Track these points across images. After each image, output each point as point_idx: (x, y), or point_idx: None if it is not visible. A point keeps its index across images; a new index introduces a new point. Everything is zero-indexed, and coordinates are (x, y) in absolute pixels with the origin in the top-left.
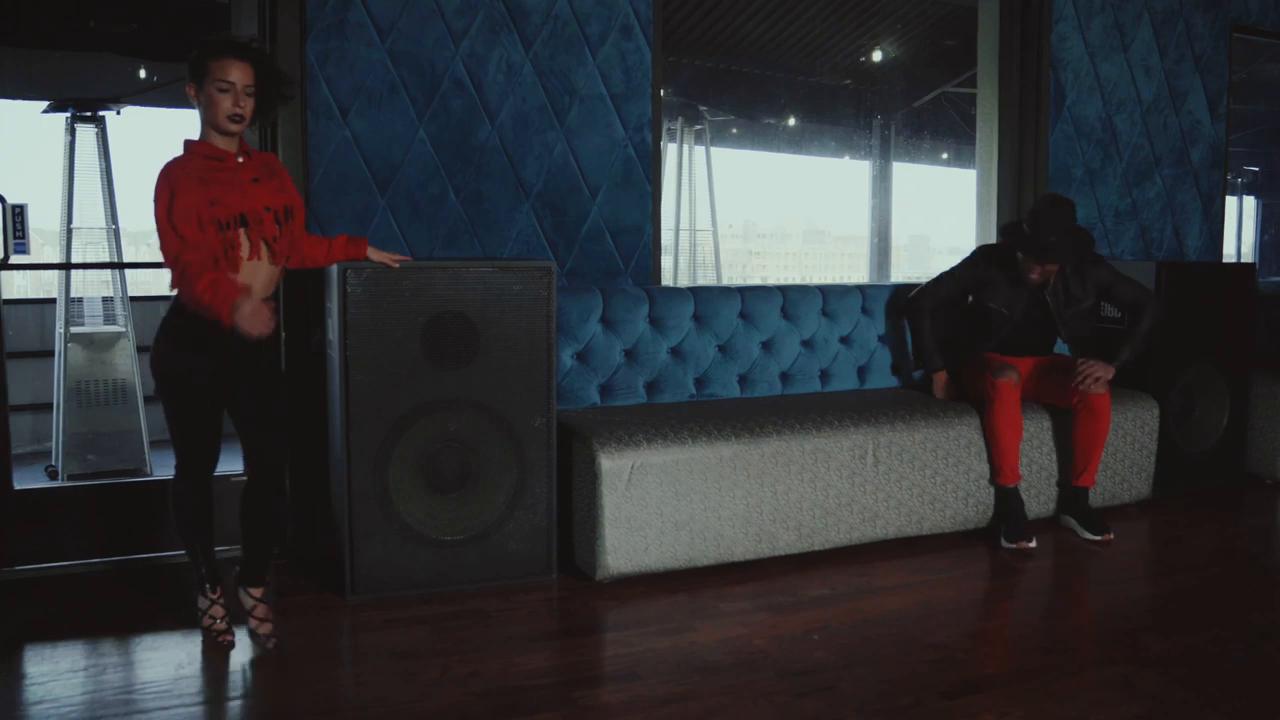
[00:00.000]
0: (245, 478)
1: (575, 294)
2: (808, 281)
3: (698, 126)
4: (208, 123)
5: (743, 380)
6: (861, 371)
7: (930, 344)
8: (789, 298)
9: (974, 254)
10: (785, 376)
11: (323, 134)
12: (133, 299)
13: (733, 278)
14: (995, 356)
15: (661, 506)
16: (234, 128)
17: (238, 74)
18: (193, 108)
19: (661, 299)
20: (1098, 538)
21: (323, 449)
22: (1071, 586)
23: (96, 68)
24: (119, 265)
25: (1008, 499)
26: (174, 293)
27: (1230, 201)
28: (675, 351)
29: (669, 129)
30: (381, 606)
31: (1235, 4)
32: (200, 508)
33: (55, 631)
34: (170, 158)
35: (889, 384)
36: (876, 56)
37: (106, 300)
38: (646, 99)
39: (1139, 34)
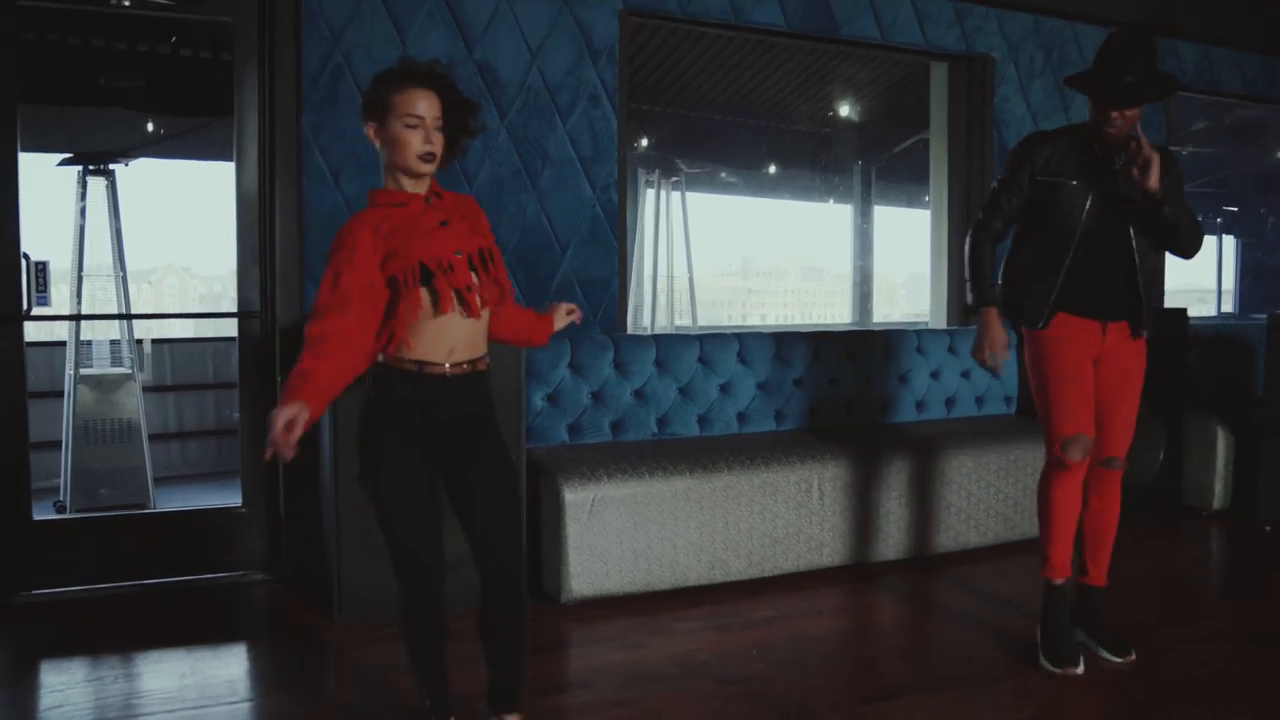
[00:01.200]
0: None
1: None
2: (804, 319)
3: (674, 178)
4: (395, 166)
5: (702, 420)
6: (813, 412)
7: (984, 268)
8: (744, 344)
9: (1021, 143)
10: (742, 416)
11: (316, 197)
12: (138, 341)
13: (731, 316)
14: (1062, 327)
15: (621, 536)
16: (426, 168)
17: (425, 105)
18: (204, 158)
19: (626, 345)
20: (1118, 659)
21: (314, 483)
22: (1001, 607)
23: (107, 122)
24: (127, 316)
25: (1053, 603)
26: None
27: (1211, 241)
28: (638, 394)
29: (647, 180)
30: (367, 627)
31: (1169, 65)
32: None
33: (69, 648)
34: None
35: (838, 422)
36: (844, 111)
37: (114, 343)
38: (613, 161)
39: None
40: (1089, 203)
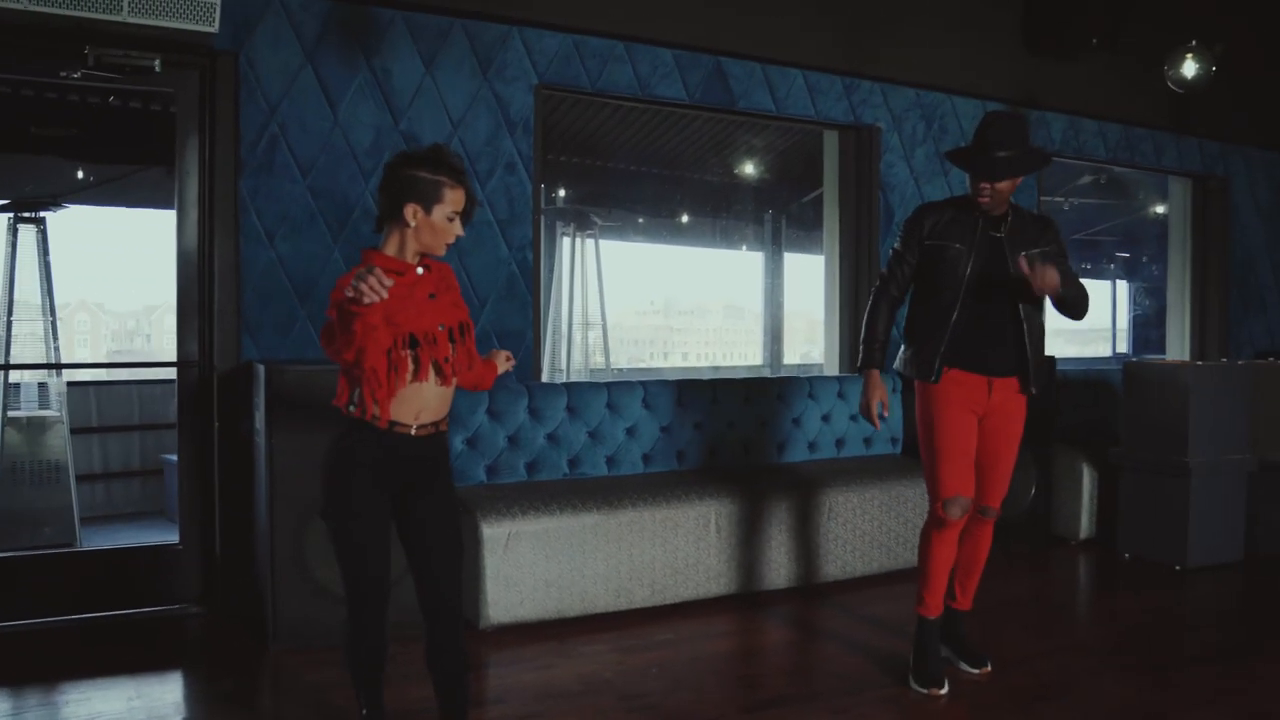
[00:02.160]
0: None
1: (464, 390)
2: (725, 358)
3: (589, 230)
4: (419, 243)
5: (610, 461)
6: (712, 452)
7: (877, 333)
8: (649, 390)
9: (912, 213)
10: (646, 457)
11: (253, 255)
12: (69, 384)
13: (654, 355)
14: (951, 382)
15: (534, 567)
16: (444, 251)
17: (463, 200)
18: (133, 205)
19: (539, 392)
20: (975, 671)
21: (248, 521)
22: (879, 630)
23: (38, 170)
24: (56, 366)
25: (924, 633)
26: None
27: (1105, 286)
28: (551, 437)
29: (563, 231)
30: (300, 653)
31: (1039, 135)
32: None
33: (13, 677)
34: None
35: (737, 462)
36: (748, 169)
37: (42, 385)
38: (528, 223)
39: None
40: (970, 264)
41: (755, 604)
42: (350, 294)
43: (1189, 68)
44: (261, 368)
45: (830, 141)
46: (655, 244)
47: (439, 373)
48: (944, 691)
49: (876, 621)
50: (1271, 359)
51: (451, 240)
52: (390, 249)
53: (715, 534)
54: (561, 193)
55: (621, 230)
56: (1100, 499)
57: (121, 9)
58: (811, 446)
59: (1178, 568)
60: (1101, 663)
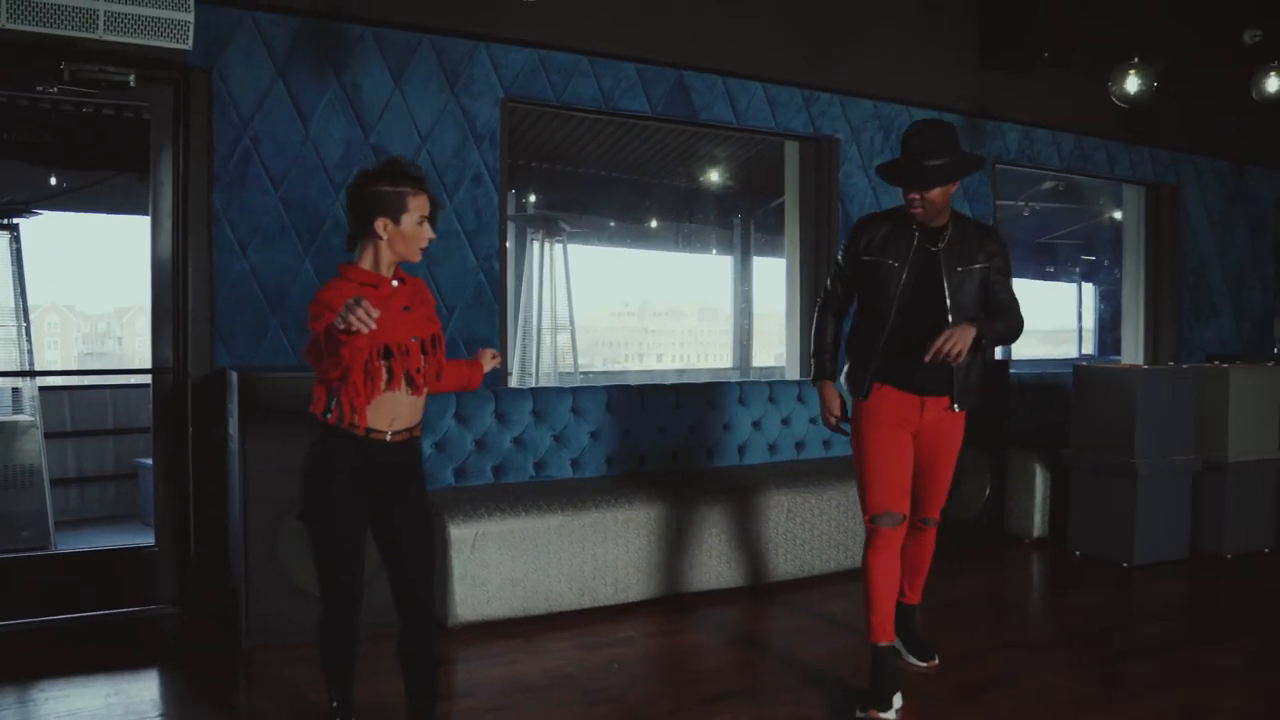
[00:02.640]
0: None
1: (433, 395)
2: (700, 359)
3: (557, 237)
4: (394, 254)
5: (575, 463)
6: (676, 454)
7: (825, 344)
8: (612, 395)
9: (853, 226)
10: (610, 460)
11: (226, 266)
12: (42, 389)
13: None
14: (882, 399)
15: (500, 567)
16: (420, 257)
17: (428, 204)
18: (107, 211)
19: (506, 397)
20: (923, 664)
21: (221, 524)
22: (833, 626)
23: (13, 176)
24: (30, 373)
25: (875, 660)
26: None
27: (1071, 289)
28: (517, 441)
29: (533, 237)
30: (272, 650)
31: (995, 145)
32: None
33: None
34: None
35: (698, 464)
36: (713, 176)
37: (15, 390)
38: (494, 234)
39: None
40: (903, 280)
41: (713, 602)
42: (340, 325)
43: (1132, 83)
44: (235, 374)
45: (791, 152)
46: (626, 248)
47: (410, 383)
48: (887, 716)
49: (829, 619)
50: (1217, 362)
51: (424, 244)
52: (365, 263)
53: (676, 534)
54: (532, 198)
55: (591, 235)
56: (1053, 499)
57: (97, 27)
58: (772, 449)
59: (1125, 565)
60: (1047, 656)
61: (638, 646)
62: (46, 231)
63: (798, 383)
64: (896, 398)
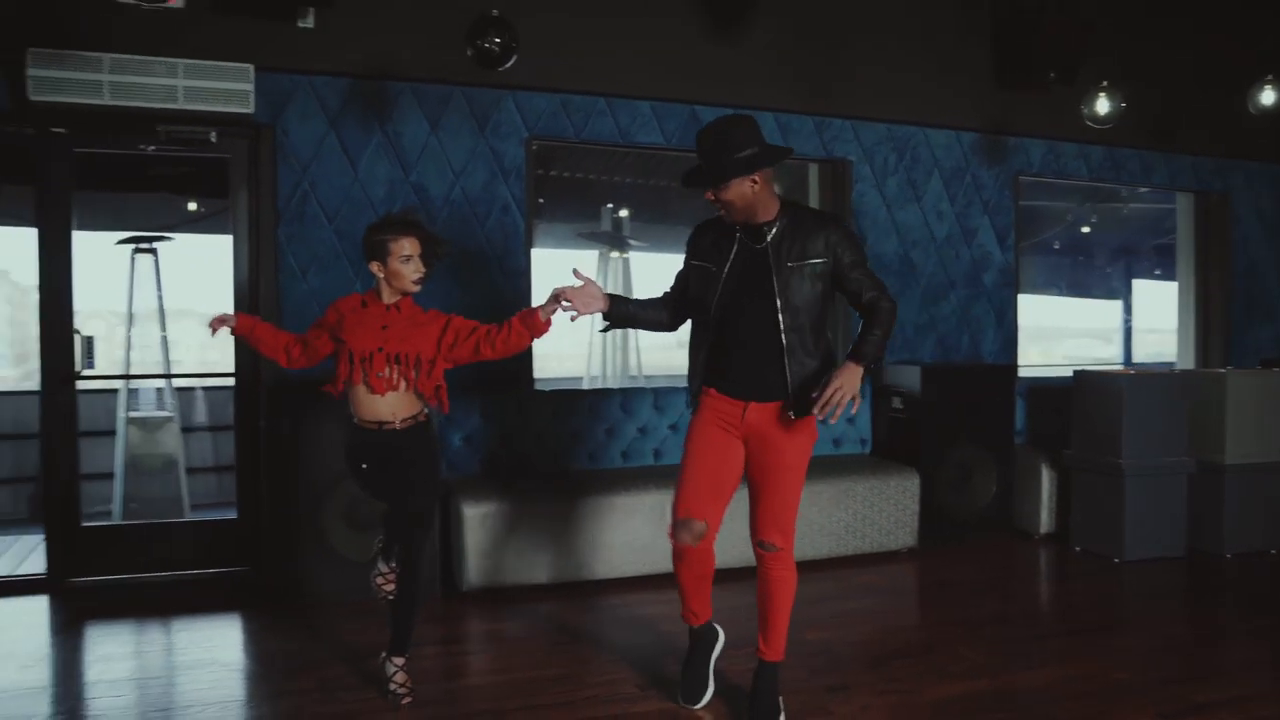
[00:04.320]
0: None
1: (464, 397)
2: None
3: (623, 249)
4: (391, 287)
5: (590, 456)
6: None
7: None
8: (626, 395)
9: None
10: (624, 454)
11: (289, 288)
12: (178, 389)
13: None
14: (706, 403)
15: (507, 542)
16: (418, 288)
17: (411, 246)
18: (227, 233)
19: (527, 398)
20: None
21: (287, 500)
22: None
23: (154, 204)
24: (167, 375)
25: (691, 640)
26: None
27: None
28: (538, 436)
29: (600, 251)
30: (324, 604)
31: (1018, 159)
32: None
33: (112, 616)
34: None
35: None
36: None
37: (159, 390)
38: (520, 255)
39: (930, 187)
40: (721, 283)
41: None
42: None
43: (1102, 105)
44: (294, 379)
45: (812, 174)
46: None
47: (368, 384)
48: (695, 708)
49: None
50: (1272, 367)
51: (414, 277)
52: (379, 290)
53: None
54: (624, 212)
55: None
56: (1059, 497)
57: (177, 99)
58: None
59: (1116, 560)
60: (971, 632)
61: (614, 613)
62: (181, 252)
63: None
64: (721, 402)
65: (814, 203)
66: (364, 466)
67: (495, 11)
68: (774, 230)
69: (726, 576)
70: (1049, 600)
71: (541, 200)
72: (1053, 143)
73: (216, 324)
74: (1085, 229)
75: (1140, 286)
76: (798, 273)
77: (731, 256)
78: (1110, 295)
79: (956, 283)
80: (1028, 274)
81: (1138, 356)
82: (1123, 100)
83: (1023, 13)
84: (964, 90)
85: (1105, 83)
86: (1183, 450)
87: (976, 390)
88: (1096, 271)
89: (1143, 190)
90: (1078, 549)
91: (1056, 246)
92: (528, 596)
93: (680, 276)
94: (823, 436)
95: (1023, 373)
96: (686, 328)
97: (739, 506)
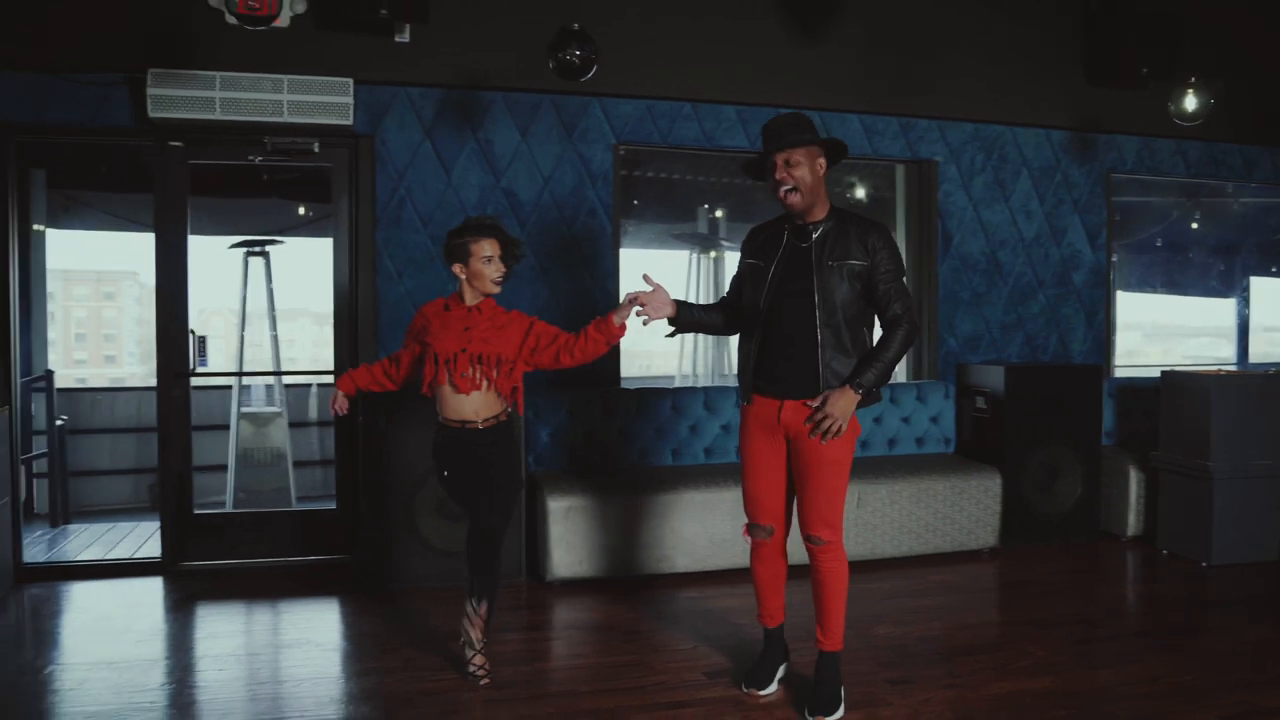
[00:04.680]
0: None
1: (550, 394)
2: None
3: (714, 250)
4: (473, 288)
5: (675, 453)
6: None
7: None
8: (709, 394)
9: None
10: (708, 450)
11: (386, 290)
12: (287, 386)
13: None
14: (754, 406)
15: (590, 535)
16: (498, 289)
17: (491, 247)
18: (327, 236)
19: (613, 395)
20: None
21: (379, 493)
22: (900, 600)
23: (267, 209)
24: (276, 373)
25: (765, 639)
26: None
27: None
28: (622, 432)
29: (691, 252)
30: (407, 591)
31: (1110, 157)
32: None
33: (219, 597)
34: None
35: None
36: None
37: (268, 387)
38: (608, 258)
39: (1018, 186)
40: (769, 283)
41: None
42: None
43: (1190, 102)
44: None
45: (899, 174)
46: None
47: (453, 384)
48: (763, 693)
49: (892, 595)
50: None
51: (495, 277)
52: (461, 292)
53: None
54: (719, 213)
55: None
56: (1148, 499)
57: (282, 113)
58: (863, 444)
59: (1203, 564)
60: (1042, 631)
61: (695, 607)
62: (292, 255)
63: (914, 384)
64: (763, 403)
65: (901, 204)
66: (445, 474)
67: (576, 25)
68: (819, 230)
69: (801, 573)
70: (1128, 602)
71: (635, 202)
72: (1147, 139)
73: (340, 408)
74: (1194, 224)
75: (1258, 284)
76: (837, 272)
77: (779, 255)
78: (1224, 293)
79: (1045, 282)
80: (1139, 273)
81: (1256, 356)
82: (1212, 96)
83: (1115, 6)
84: (1054, 87)
85: (1193, 79)
86: (1274, 453)
87: (1062, 390)
88: (1210, 269)
89: (1252, 185)
90: (1164, 552)
91: (1159, 244)
92: (607, 587)
93: (736, 279)
94: (905, 435)
95: (1132, 373)
96: None
97: None
